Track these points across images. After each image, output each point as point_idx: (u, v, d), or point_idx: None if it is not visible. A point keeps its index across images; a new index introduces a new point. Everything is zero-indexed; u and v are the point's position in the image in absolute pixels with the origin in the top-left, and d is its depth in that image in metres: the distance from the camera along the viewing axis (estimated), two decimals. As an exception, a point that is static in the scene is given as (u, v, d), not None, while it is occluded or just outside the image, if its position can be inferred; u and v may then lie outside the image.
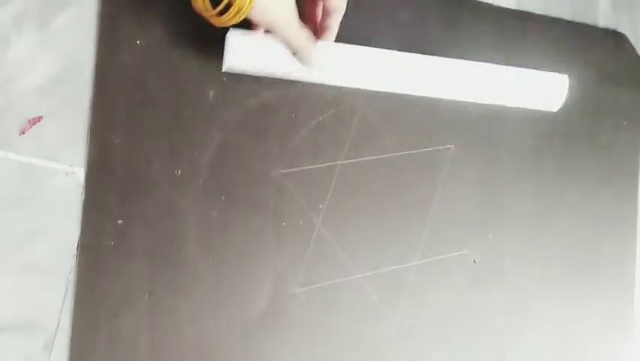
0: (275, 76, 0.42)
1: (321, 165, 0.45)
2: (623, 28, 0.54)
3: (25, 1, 0.42)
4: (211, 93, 0.43)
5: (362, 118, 0.46)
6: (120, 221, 0.41)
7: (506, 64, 0.45)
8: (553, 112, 0.47)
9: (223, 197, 0.43)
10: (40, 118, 0.42)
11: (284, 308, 0.44)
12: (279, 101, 0.44)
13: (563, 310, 0.49)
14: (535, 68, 0.45)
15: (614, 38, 0.53)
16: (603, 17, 0.54)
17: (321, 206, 0.45)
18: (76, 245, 0.42)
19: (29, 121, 0.42)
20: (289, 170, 0.44)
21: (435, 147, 0.47)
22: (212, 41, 0.42)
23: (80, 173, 0.42)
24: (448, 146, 0.48)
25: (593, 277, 0.50)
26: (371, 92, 0.45)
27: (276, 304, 0.43)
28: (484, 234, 0.48)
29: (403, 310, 0.46)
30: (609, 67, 0.53)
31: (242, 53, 0.40)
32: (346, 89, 0.45)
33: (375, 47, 0.43)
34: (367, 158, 0.46)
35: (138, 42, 0.42)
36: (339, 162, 0.45)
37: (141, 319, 0.41)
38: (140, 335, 0.41)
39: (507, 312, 0.48)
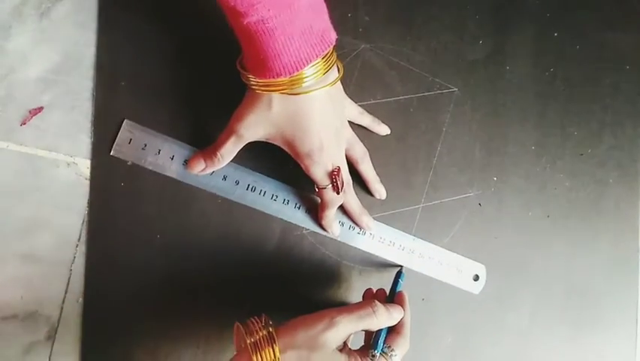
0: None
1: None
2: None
3: (25, -10, 0.41)
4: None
5: (365, 61, 0.46)
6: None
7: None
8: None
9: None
10: (40, 108, 0.41)
11: (291, 246, 0.45)
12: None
13: (567, 249, 0.49)
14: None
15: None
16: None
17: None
18: (78, 235, 0.42)
19: (30, 112, 0.41)
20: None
21: (439, 91, 0.48)
22: None
23: (81, 163, 0.42)
24: (451, 89, 0.48)
25: (596, 218, 0.50)
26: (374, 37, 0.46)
27: (283, 243, 0.45)
28: (489, 177, 0.48)
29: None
30: (609, 12, 0.53)
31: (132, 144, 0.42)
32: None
33: None
34: (372, 101, 0.46)
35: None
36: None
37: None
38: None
39: (512, 254, 0.49)
